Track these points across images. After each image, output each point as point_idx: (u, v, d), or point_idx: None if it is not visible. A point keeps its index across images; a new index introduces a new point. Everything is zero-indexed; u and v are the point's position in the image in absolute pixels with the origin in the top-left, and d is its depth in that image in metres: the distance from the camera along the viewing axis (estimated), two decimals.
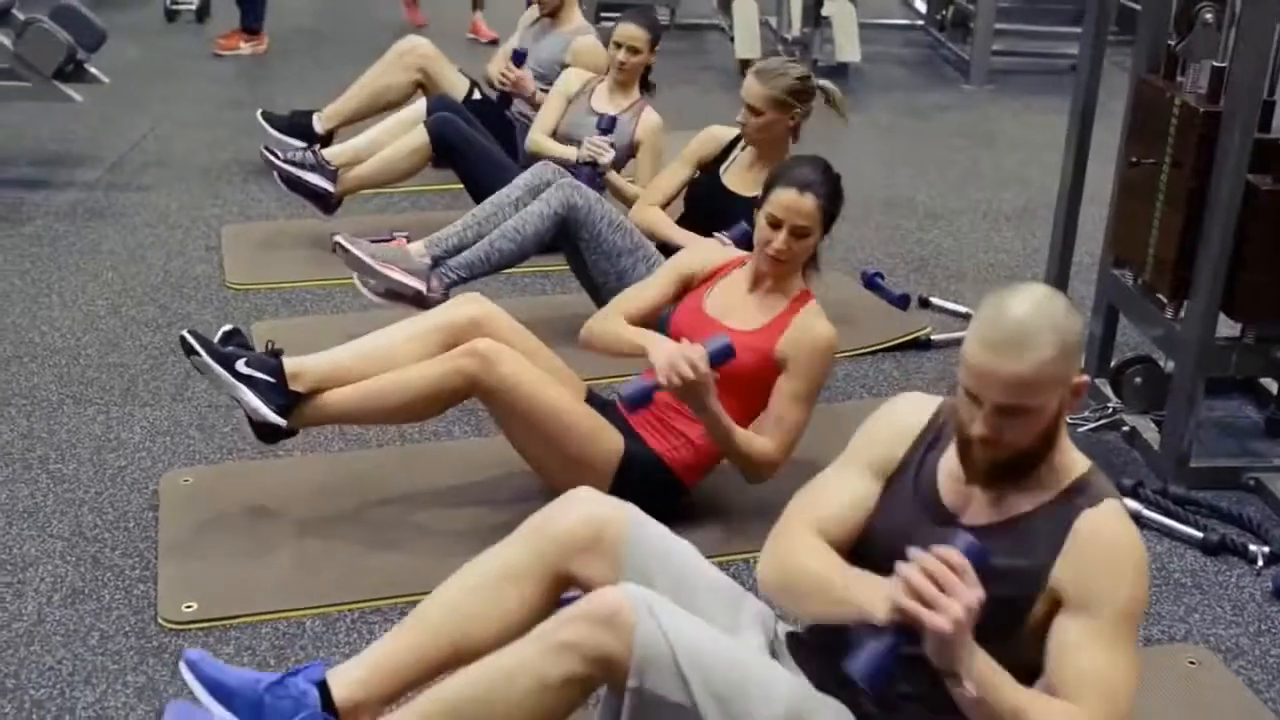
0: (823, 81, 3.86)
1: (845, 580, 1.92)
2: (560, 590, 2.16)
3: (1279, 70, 3.24)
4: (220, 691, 2.12)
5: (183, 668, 2.15)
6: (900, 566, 1.77)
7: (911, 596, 1.73)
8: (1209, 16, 3.20)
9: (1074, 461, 1.97)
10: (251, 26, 7.21)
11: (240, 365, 2.87)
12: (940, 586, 1.73)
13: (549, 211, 3.74)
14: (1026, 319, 1.83)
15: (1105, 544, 1.90)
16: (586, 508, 2.19)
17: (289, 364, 2.90)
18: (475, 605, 2.15)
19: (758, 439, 2.91)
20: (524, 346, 2.98)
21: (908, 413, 2.11)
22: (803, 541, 2.01)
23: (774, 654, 2.11)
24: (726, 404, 2.83)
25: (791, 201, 2.89)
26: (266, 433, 2.94)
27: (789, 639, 2.15)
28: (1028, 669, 1.88)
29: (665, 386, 2.74)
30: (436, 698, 1.99)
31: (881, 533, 2.02)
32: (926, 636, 1.74)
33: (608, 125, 4.30)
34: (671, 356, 2.73)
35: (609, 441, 2.92)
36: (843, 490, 2.07)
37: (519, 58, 4.83)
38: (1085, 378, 1.93)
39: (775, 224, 2.90)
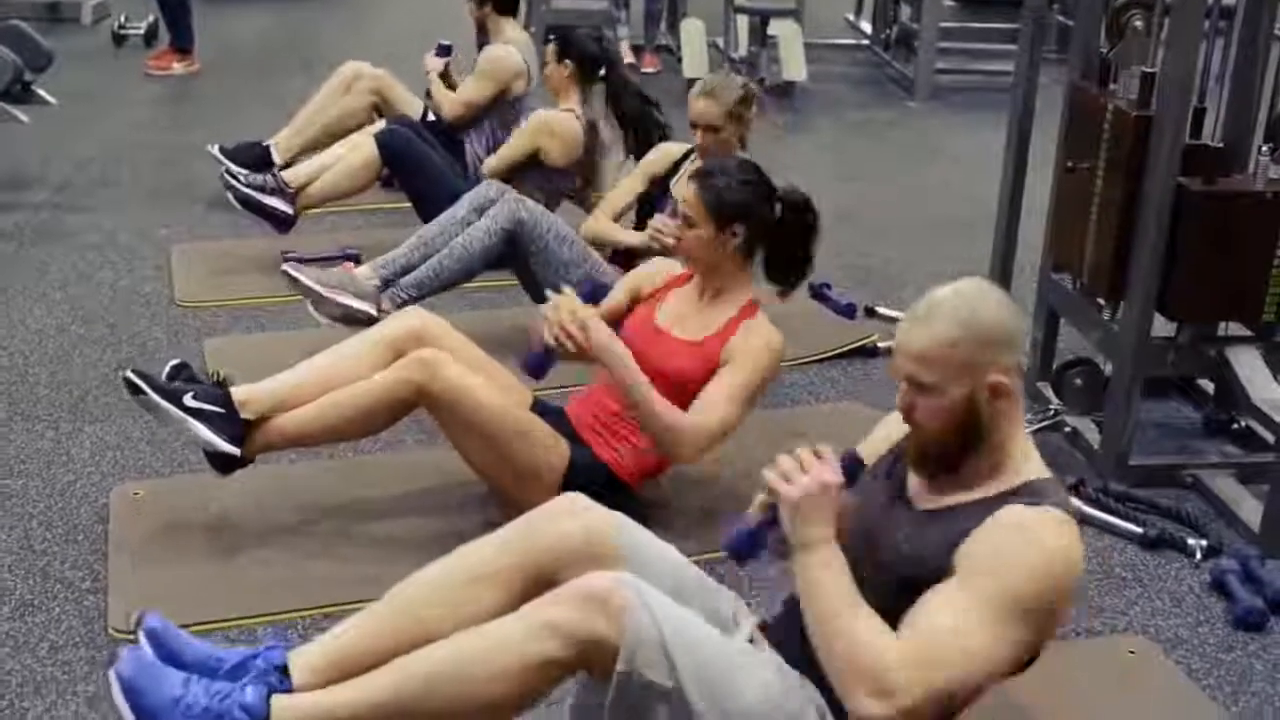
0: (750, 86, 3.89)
1: None
2: (540, 592, 2.08)
3: (1207, 75, 3.33)
4: (178, 665, 2.04)
5: (141, 636, 2.07)
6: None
7: (778, 475, 1.97)
8: (1138, 23, 3.28)
9: (1031, 470, 1.98)
10: (183, 46, 7.21)
11: (188, 399, 2.87)
12: (803, 469, 1.96)
13: (496, 228, 3.77)
14: (940, 298, 1.94)
15: (1010, 529, 1.88)
16: (582, 518, 2.16)
17: (237, 393, 2.91)
18: (450, 599, 2.10)
19: (678, 411, 2.84)
20: (466, 356, 3.00)
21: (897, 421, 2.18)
22: None
23: (753, 641, 2.13)
24: None
25: (683, 190, 2.99)
26: (222, 464, 2.94)
27: (759, 628, 2.18)
28: None
29: (556, 346, 2.77)
30: (410, 665, 1.97)
31: (855, 506, 2.08)
32: (780, 509, 1.95)
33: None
34: (548, 312, 2.78)
35: (555, 448, 2.94)
36: None
37: (443, 50, 4.93)
38: (1004, 379, 1.92)
39: (674, 213, 2.94)
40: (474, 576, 2.11)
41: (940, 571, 1.89)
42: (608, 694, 1.91)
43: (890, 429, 2.18)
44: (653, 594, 1.95)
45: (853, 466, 2.08)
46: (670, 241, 3.65)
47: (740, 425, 2.95)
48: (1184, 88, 3.15)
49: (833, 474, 1.96)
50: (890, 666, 1.81)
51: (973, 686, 1.85)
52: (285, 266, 3.76)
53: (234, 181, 4.52)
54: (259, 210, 4.55)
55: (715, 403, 2.88)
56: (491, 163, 4.50)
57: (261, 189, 4.54)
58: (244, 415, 2.90)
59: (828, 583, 1.91)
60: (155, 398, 2.86)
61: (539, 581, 2.08)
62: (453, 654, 1.96)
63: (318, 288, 3.71)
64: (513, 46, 4.91)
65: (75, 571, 2.89)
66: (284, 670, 2.06)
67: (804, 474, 1.95)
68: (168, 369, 2.97)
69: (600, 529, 2.15)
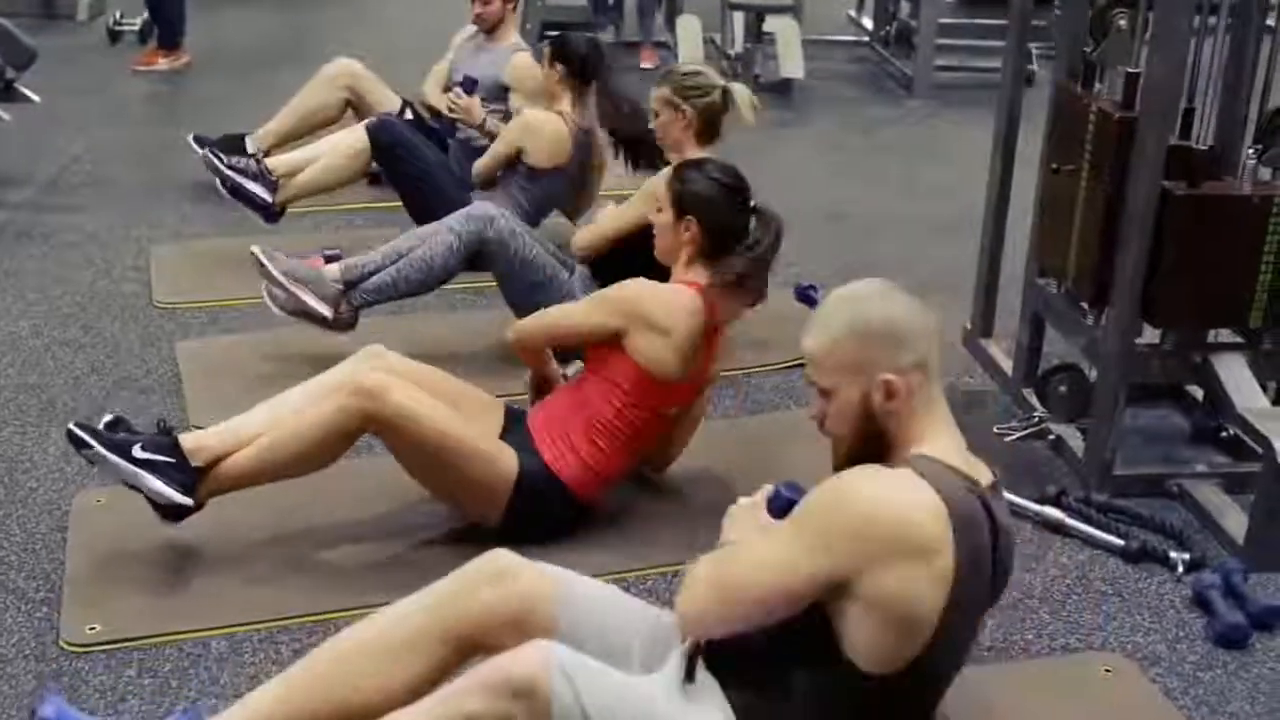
0: (732, 84, 3.79)
1: None
2: (464, 661, 2.05)
3: (1195, 77, 3.25)
4: None
5: None
6: None
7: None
8: (1123, 23, 3.21)
9: (926, 450, 1.95)
10: (169, 42, 7.16)
11: (136, 451, 2.78)
12: None
13: (459, 245, 3.71)
14: (831, 301, 2.00)
15: (843, 476, 1.93)
16: (515, 583, 2.09)
17: (186, 440, 2.83)
18: (370, 666, 2.05)
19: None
20: (428, 382, 2.94)
21: None
22: None
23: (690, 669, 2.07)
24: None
25: (664, 179, 3.05)
26: (172, 513, 2.85)
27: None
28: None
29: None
30: None
31: None
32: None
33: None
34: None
35: (504, 464, 2.88)
36: None
37: (469, 85, 4.68)
38: (894, 378, 1.91)
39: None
40: (399, 641, 2.06)
41: None
42: None
43: None
44: (584, 672, 1.87)
45: (787, 495, 2.08)
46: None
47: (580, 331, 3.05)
48: (1168, 89, 3.07)
49: (760, 497, 2.10)
50: (694, 570, 1.96)
51: (767, 598, 1.88)
52: (254, 248, 3.71)
53: (219, 164, 4.45)
54: (240, 194, 4.47)
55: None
56: (478, 165, 4.42)
57: (243, 172, 4.48)
58: (195, 463, 2.81)
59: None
60: (102, 451, 2.76)
61: (465, 649, 2.05)
62: None
63: (280, 276, 3.66)
64: (528, 54, 4.83)
65: (30, 582, 2.83)
66: None
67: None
68: (103, 423, 2.86)
69: (534, 595, 2.09)
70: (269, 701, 2.06)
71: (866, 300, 1.96)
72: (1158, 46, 3.06)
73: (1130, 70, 3.17)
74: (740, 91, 3.71)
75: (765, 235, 2.95)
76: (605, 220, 3.81)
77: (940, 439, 1.96)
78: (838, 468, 1.99)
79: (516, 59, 4.82)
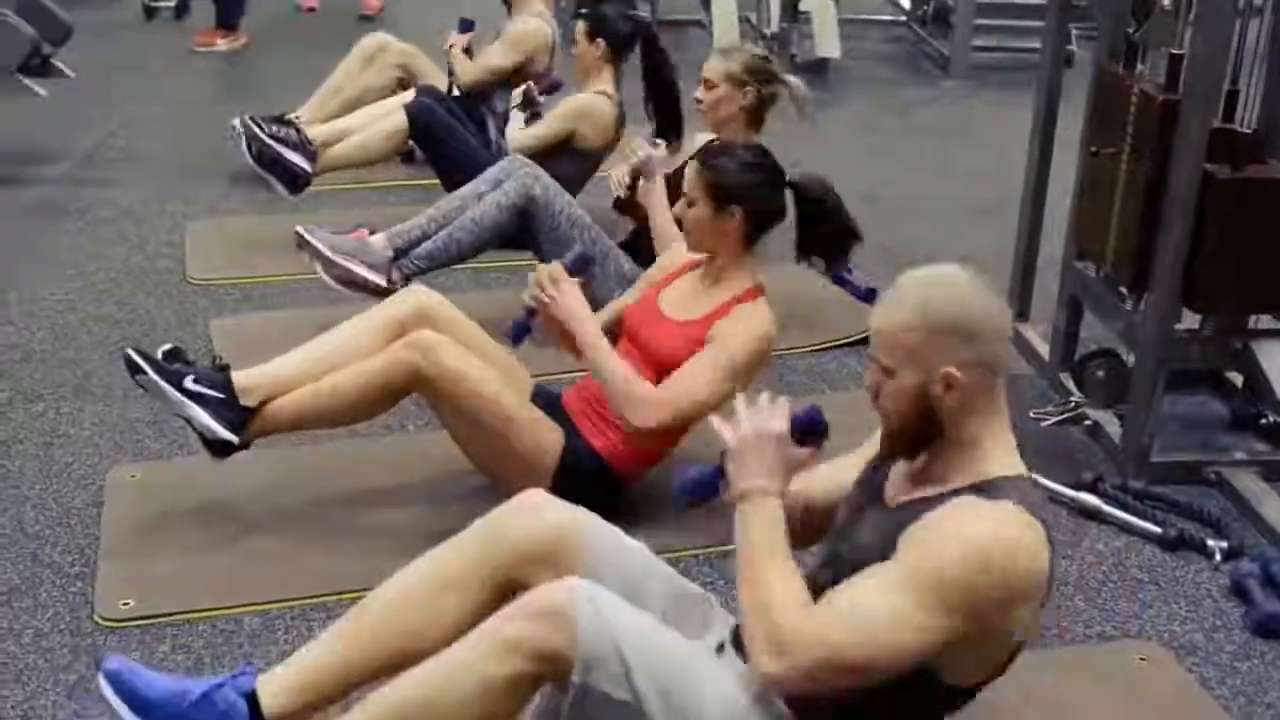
0: (789, 76, 3.79)
1: None
2: (507, 597, 2.07)
3: (1240, 58, 3.20)
4: (141, 707, 2.05)
5: (101, 680, 2.08)
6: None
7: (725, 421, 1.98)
8: (1166, 3, 3.16)
9: (999, 466, 1.89)
10: (228, 22, 7.15)
11: (188, 382, 2.81)
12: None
13: (507, 203, 3.72)
14: (907, 281, 1.91)
15: (948, 515, 1.80)
16: (543, 517, 2.14)
17: (238, 378, 2.85)
18: (416, 612, 2.10)
19: (642, 382, 2.80)
20: (468, 339, 2.94)
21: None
22: None
23: (722, 649, 2.06)
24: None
25: (688, 169, 2.94)
26: (218, 449, 2.88)
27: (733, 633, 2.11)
28: None
29: (537, 305, 2.83)
30: (381, 701, 1.95)
31: (840, 514, 2.08)
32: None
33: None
34: (531, 278, 2.84)
35: (549, 437, 2.88)
36: (831, 474, 2.16)
37: (464, 25, 4.85)
38: (956, 372, 1.84)
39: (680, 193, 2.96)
40: (440, 586, 2.10)
41: (887, 558, 1.83)
42: (566, 703, 1.87)
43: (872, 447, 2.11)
44: (610, 603, 1.90)
45: (808, 421, 1.97)
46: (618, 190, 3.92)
47: (712, 407, 2.76)
48: (1213, 71, 3.02)
49: (777, 422, 1.93)
50: (791, 626, 1.77)
51: (878, 663, 1.77)
52: (298, 228, 3.71)
53: (257, 130, 4.43)
54: (275, 165, 4.45)
55: (680, 377, 2.82)
56: (523, 139, 4.41)
57: (284, 141, 4.47)
58: (244, 402, 2.84)
59: (754, 532, 1.88)
60: (155, 378, 2.80)
61: (502, 587, 2.08)
62: (420, 684, 1.93)
63: (328, 252, 3.67)
64: (541, 20, 4.87)
65: (65, 556, 2.85)
66: (252, 698, 2.05)
67: (749, 420, 1.93)
68: (160, 352, 2.90)
69: (561, 528, 2.12)
70: (325, 656, 2.10)
71: (941, 287, 1.88)
72: (1201, 27, 3.02)
73: (1174, 52, 3.13)
74: (799, 88, 3.69)
75: (828, 196, 2.93)
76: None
77: (1000, 445, 1.90)
78: (887, 440, 1.95)
79: (518, 21, 4.89)
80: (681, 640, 1.98)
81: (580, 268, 2.93)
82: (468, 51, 4.90)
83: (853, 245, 3.02)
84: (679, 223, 3.19)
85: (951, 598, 1.74)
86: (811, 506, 2.12)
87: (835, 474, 2.15)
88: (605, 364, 2.81)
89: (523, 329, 2.91)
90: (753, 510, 1.90)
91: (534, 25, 4.83)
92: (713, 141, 3.37)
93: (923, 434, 1.90)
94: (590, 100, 4.37)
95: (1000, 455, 1.90)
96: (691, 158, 3.02)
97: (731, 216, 2.89)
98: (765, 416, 1.94)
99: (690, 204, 2.92)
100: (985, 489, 1.84)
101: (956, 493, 1.85)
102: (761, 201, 2.90)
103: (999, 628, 1.81)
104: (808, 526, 2.11)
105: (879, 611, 1.76)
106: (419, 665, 1.96)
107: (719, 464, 1.98)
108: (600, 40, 4.32)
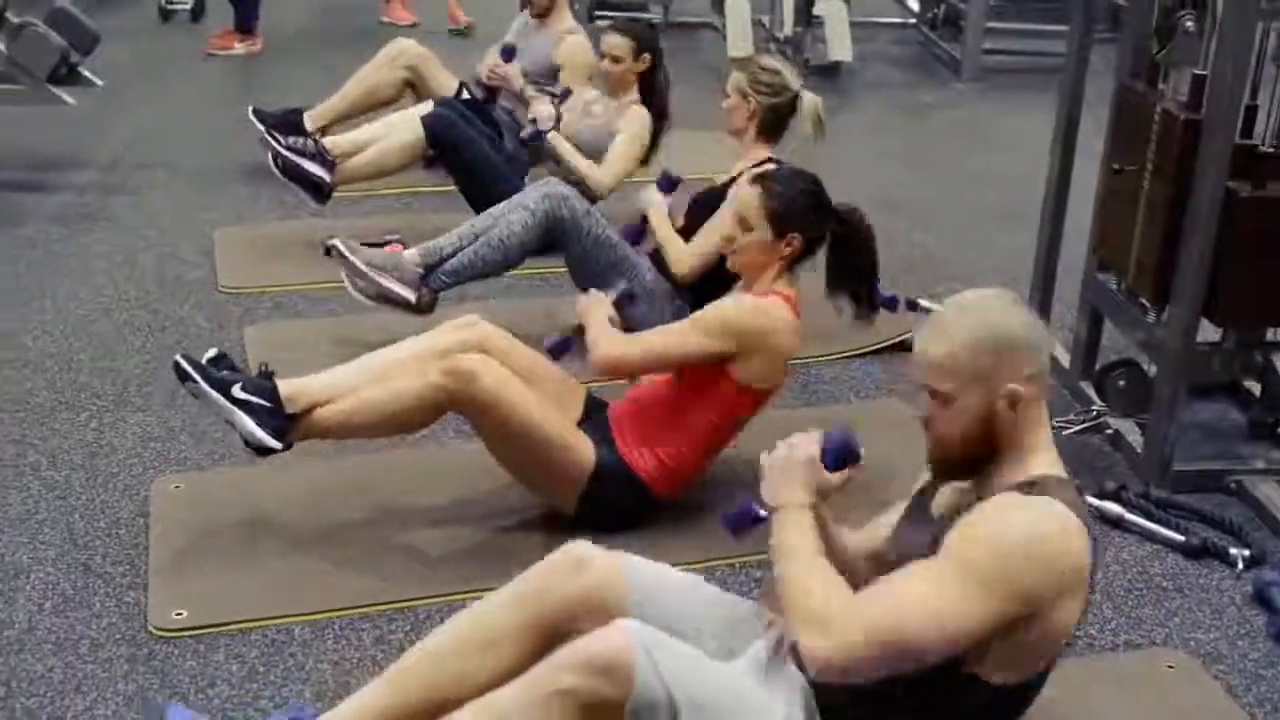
0: (805, 93, 3.82)
1: None
2: (550, 648, 2.10)
3: (1260, 70, 3.26)
4: None
5: None
6: None
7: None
8: (1190, 24, 3.22)
9: (1041, 467, 1.98)
10: (245, 26, 7.21)
11: (236, 390, 2.87)
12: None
13: (533, 222, 3.78)
14: (952, 308, 1.98)
15: (991, 507, 1.90)
16: (585, 574, 2.17)
17: (284, 387, 2.91)
18: (466, 664, 2.15)
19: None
20: (519, 364, 3.01)
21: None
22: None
23: (771, 659, 2.10)
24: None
25: (744, 193, 3.01)
26: (259, 450, 2.94)
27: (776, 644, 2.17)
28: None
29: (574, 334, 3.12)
30: None
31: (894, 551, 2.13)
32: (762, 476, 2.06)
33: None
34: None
35: (581, 455, 2.96)
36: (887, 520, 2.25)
37: (507, 53, 4.83)
38: (1020, 388, 1.92)
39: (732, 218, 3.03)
40: (486, 642, 2.16)
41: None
42: None
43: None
44: (664, 646, 1.94)
45: (841, 446, 2.07)
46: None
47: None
48: (1236, 92, 3.09)
49: (806, 448, 2.05)
50: (835, 606, 1.86)
51: (920, 642, 1.84)
52: (333, 241, 3.79)
53: (276, 145, 4.51)
54: (297, 175, 4.53)
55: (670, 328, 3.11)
56: (615, 170, 4.37)
57: (301, 153, 4.54)
58: (289, 410, 2.91)
59: (792, 540, 1.98)
60: (204, 386, 2.86)
61: (549, 637, 2.12)
62: None
63: (365, 267, 3.74)
64: (583, 35, 4.94)
65: (116, 566, 2.92)
66: None
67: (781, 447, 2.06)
68: (206, 358, 2.97)
69: (603, 579, 2.16)
70: (376, 704, 2.16)
71: (992, 311, 1.96)
72: (1224, 49, 3.09)
73: (1198, 72, 3.19)
74: (810, 102, 3.74)
75: (865, 230, 3.06)
76: (703, 240, 3.73)
77: (1044, 447, 1.99)
78: (935, 465, 2.03)
79: (569, 40, 4.90)
80: (734, 676, 2.02)
81: (624, 302, 3.15)
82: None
83: (876, 282, 3.14)
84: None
85: (994, 584, 1.82)
86: (877, 556, 2.18)
87: (890, 519, 2.23)
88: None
89: (560, 347, 3.11)
90: (786, 518, 2.00)
91: (581, 43, 4.88)
92: (766, 165, 3.40)
93: (982, 453, 1.97)
94: (643, 113, 4.41)
95: (1043, 456, 1.99)
96: (748, 181, 3.07)
97: (789, 245, 2.97)
98: (795, 442, 2.06)
99: (747, 229, 2.97)
100: (1028, 487, 1.93)
101: (1000, 493, 1.94)
102: (816, 230, 2.99)
103: (1050, 621, 1.89)
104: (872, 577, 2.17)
105: (922, 593, 1.85)
106: (463, 710, 2.01)
107: (755, 494, 2.11)
108: (646, 55, 4.37)
